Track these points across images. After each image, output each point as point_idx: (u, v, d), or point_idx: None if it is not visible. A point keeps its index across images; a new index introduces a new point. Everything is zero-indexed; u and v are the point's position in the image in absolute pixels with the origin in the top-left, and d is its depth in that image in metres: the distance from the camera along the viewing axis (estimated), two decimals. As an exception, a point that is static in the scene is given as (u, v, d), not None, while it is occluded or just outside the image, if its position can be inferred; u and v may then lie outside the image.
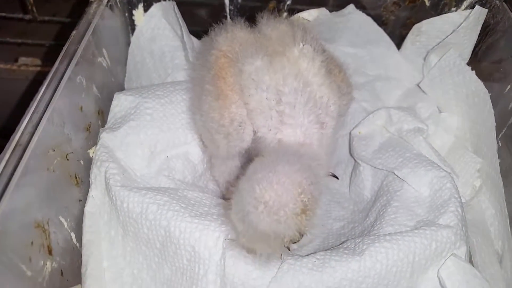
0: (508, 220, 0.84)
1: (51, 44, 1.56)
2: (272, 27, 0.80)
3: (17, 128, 1.17)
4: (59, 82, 0.74)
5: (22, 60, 1.58)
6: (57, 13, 1.73)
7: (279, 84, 0.71)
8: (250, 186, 0.62)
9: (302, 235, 0.63)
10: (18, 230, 0.62)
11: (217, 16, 1.08)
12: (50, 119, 0.70)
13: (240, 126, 0.74)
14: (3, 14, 1.49)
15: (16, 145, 0.65)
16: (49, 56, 1.61)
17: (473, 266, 0.78)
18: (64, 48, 0.80)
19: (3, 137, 1.48)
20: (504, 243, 0.84)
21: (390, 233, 0.76)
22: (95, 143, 0.84)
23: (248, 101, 0.73)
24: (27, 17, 1.46)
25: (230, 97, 0.74)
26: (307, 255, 0.75)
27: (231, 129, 0.74)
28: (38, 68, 1.52)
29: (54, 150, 0.71)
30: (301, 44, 0.74)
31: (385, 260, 0.71)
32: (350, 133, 1.00)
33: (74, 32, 0.83)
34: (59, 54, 1.57)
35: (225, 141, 0.76)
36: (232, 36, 0.78)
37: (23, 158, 0.64)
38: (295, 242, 0.64)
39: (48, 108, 0.70)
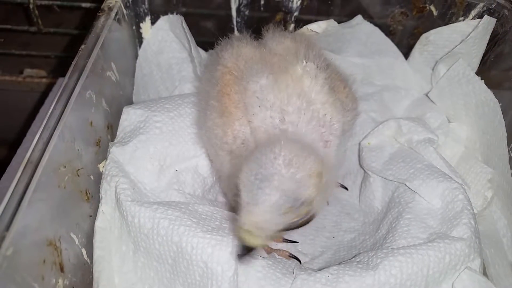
0: (521, 231, 0.84)
1: (56, 55, 1.56)
2: (277, 41, 0.80)
3: (23, 142, 1.18)
4: (69, 98, 0.74)
5: (27, 71, 1.58)
6: (62, 24, 1.74)
7: (283, 103, 0.70)
8: (268, 148, 0.63)
9: (311, 214, 0.64)
10: (30, 248, 0.62)
11: (224, 27, 1.08)
12: (61, 136, 0.69)
13: (243, 144, 0.73)
14: (9, 26, 1.50)
15: (27, 163, 0.65)
16: (54, 68, 1.62)
17: (487, 278, 0.77)
18: (73, 63, 0.80)
19: (9, 148, 1.48)
20: (517, 254, 0.83)
21: (403, 246, 0.76)
22: (105, 157, 0.84)
23: (251, 119, 0.72)
24: (32, 29, 1.46)
25: (234, 114, 0.73)
26: (320, 269, 0.75)
27: (234, 147, 0.74)
28: (43, 80, 1.53)
29: (65, 166, 0.71)
30: (304, 61, 0.74)
31: (400, 274, 0.71)
32: (359, 144, 0.99)
33: (82, 46, 0.83)
34: (64, 66, 1.58)
35: (228, 158, 0.76)
36: (237, 52, 0.78)
37: (34, 176, 0.63)
38: (300, 225, 0.64)
39: (58, 125, 0.70)
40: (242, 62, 0.76)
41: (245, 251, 0.64)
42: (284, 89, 0.71)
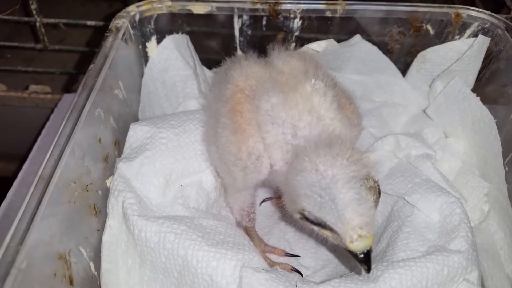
0: (517, 244, 0.86)
1: (61, 72, 1.59)
2: (283, 60, 0.83)
3: (28, 157, 1.20)
4: (79, 115, 0.76)
5: (32, 87, 1.61)
6: (64, 40, 1.78)
7: (294, 120, 0.73)
8: (303, 169, 0.66)
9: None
10: (42, 262, 0.64)
11: (227, 46, 1.11)
12: (72, 152, 0.72)
13: (257, 159, 0.76)
14: (15, 43, 1.53)
15: (39, 179, 0.67)
16: (59, 84, 1.65)
17: (485, 290, 0.79)
18: (83, 82, 0.82)
19: (14, 163, 1.50)
20: (515, 266, 0.85)
21: (403, 259, 0.77)
22: (112, 173, 0.86)
23: (265, 136, 0.75)
24: (38, 46, 1.50)
25: (248, 131, 0.76)
26: (322, 282, 0.76)
27: (248, 163, 0.76)
28: (48, 96, 1.55)
29: (75, 182, 0.73)
30: (313, 80, 0.77)
31: (399, 286, 0.73)
32: (358, 159, 1.01)
33: (91, 65, 0.86)
34: (69, 82, 1.60)
35: (241, 174, 0.78)
36: (246, 71, 0.81)
37: (47, 192, 0.66)
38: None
39: (69, 142, 0.72)
40: (252, 81, 0.79)
41: (368, 257, 0.65)
42: (295, 106, 0.74)
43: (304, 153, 0.68)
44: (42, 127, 1.34)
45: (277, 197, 1.02)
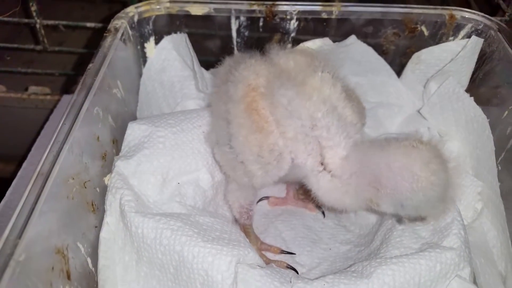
0: (510, 242, 0.87)
1: (60, 73, 1.60)
2: (285, 57, 0.84)
3: (28, 157, 1.21)
4: (78, 114, 0.78)
5: (32, 89, 1.62)
6: (64, 42, 1.79)
7: (311, 111, 0.75)
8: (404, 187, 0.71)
9: None
10: (40, 256, 0.65)
11: (224, 47, 1.13)
12: (70, 149, 0.73)
13: (279, 155, 0.77)
14: (15, 45, 1.54)
15: (38, 174, 0.68)
16: (58, 85, 1.66)
17: (477, 287, 0.80)
18: (81, 81, 0.84)
19: (13, 163, 1.51)
20: (507, 264, 0.86)
21: (396, 255, 0.78)
22: (110, 171, 0.87)
23: (285, 130, 0.76)
24: (38, 47, 1.51)
25: (266, 128, 0.76)
26: (316, 278, 0.78)
27: (271, 159, 0.76)
28: (48, 97, 1.56)
29: (73, 178, 0.75)
30: (320, 73, 0.79)
31: (392, 282, 0.74)
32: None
33: (90, 65, 0.87)
34: (68, 83, 1.61)
35: (261, 172, 0.78)
36: (255, 69, 0.81)
37: (45, 187, 0.67)
38: None
39: (68, 139, 0.73)
40: (263, 78, 0.79)
41: None
42: (309, 98, 0.75)
43: (407, 163, 0.71)
44: (42, 128, 1.35)
45: (273, 197, 1.04)
